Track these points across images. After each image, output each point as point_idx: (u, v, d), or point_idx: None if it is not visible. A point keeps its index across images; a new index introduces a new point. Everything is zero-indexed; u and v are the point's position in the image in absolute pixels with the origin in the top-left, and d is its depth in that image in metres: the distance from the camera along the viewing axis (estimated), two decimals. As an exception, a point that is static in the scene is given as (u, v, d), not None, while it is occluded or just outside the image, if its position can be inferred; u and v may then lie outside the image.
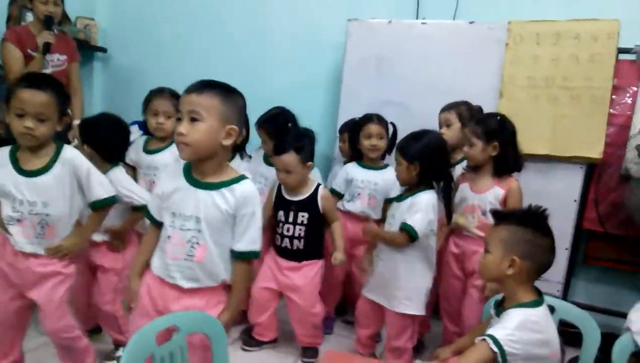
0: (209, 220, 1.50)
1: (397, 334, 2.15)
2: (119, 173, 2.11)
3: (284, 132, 2.54)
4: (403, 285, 2.11)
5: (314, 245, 2.37)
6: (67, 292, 1.81)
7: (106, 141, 2.10)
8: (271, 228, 2.40)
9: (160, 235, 1.58)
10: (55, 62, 2.97)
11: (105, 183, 1.85)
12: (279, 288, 2.38)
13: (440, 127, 2.45)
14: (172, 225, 1.53)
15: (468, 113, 2.40)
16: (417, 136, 2.09)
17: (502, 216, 1.61)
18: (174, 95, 2.39)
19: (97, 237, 2.08)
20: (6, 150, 1.73)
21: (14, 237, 1.73)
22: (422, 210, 2.03)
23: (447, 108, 2.46)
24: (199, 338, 1.42)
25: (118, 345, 2.26)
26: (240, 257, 1.56)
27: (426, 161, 2.04)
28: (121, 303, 2.19)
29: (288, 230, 2.33)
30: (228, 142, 1.48)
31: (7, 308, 1.79)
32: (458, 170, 2.38)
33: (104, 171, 2.00)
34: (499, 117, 2.22)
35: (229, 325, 1.58)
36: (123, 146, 2.22)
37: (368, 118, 2.59)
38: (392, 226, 2.13)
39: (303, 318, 2.38)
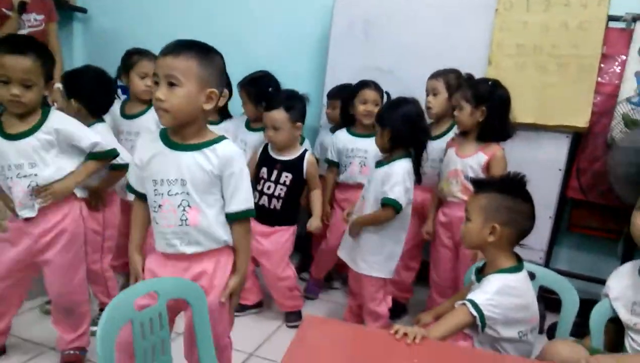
0: (194, 181, 1.46)
1: (370, 297, 2.19)
2: (102, 128, 2.10)
3: (264, 94, 2.52)
4: (377, 251, 2.14)
5: (290, 209, 2.38)
6: (80, 251, 1.85)
7: (91, 93, 2.08)
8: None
9: (150, 208, 1.54)
10: (31, 22, 2.88)
11: (90, 133, 1.85)
12: (252, 253, 2.37)
13: (427, 95, 2.42)
14: (158, 193, 1.48)
15: (456, 82, 2.36)
16: (394, 104, 2.14)
17: (482, 184, 1.63)
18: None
19: (78, 193, 2.03)
20: None
21: (17, 209, 1.74)
22: (399, 181, 2.04)
23: (435, 75, 2.42)
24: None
25: (103, 307, 2.26)
26: (237, 218, 1.53)
27: (397, 128, 2.05)
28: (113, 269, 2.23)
29: (269, 188, 2.32)
30: (209, 106, 1.43)
31: (10, 278, 1.81)
32: (442, 144, 2.38)
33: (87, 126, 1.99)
34: (490, 82, 2.22)
35: (237, 289, 1.57)
36: (108, 99, 2.20)
37: (365, 83, 2.57)
38: (367, 191, 2.16)
39: (274, 283, 2.41)
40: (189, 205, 1.47)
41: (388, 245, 2.15)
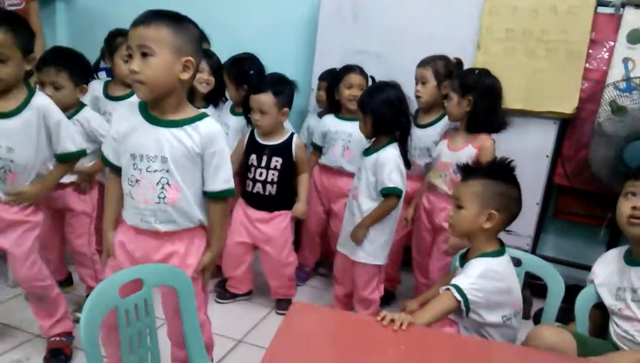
0: (175, 159, 1.43)
1: (365, 285, 2.20)
2: (89, 112, 2.10)
3: (244, 77, 2.49)
4: (372, 239, 2.15)
5: (286, 193, 2.35)
6: (35, 241, 1.80)
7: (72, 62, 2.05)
8: (239, 176, 2.34)
9: (122, 181, 1.51)
10: (11, 1, 2.80)
11: (76, 136, 1.83)
12: (252, 241, 2.37)
13: (417, 83, 2.38)
14: (137, 167, 1.45)
15: (445, 70, 2.32)
16: (375, 90, 2.15)
17: (471, 170, 1.61)
18: None
19: (65, 179, 2.02)
20: None
21: None
22: (394, 168, 2.06)
23: (423, 63, 2.37)
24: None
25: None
26: (216, 197, 1.52)
27: (379, 113, 2.05)
28: (98, 254, 2.20)
29: (261, 174, 2.30)
30: (186, 75, 1.39)
31: None
32: (431, 132, 2.37)
33: (73, 113, 2.03)
34: (477, 71, 2.19)
35: (210, 266, 1.58)
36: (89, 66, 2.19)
37: (350, 68, 2.55)
38: (359, 180, 2.16)
39: (277, 270, 2.40)
40: (168, 183, 1.45)
41: (385, 232, 2.16)
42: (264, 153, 2.30)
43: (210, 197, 1.52)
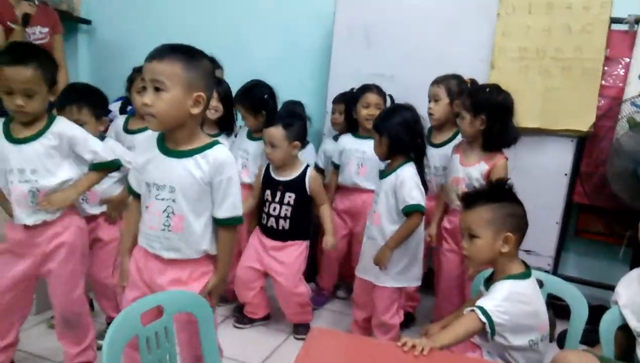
0: (183, 189, 1.46)
1: (385, 309, 2.17)
2: (111, 143, 2.13)
3: (260, 103, 2.53)
4: (394, 261, 2.12)
5: (300, 226, 2.36)
6: (79, 264, 1.84)
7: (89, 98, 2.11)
8: (258, 207, 2.39)
9: (140, 206, 1.56)
10: (37, 35, 2.89)
11: (107, 146, 1.88)
12: (263, 268, 2.38)
13: (429, 101, 2.41)
14: (149, 195, 1.50)
15: (457, 88, 2.34)
16: (390, 112, 2.16)
17: (472, 197, 1.59)
18: None
19: (94, 210, 2.10)
20: (1, 123, 1.72)
21: (15, 212, 1.73)
22: (413, 186, 2.06)
23: (436, 82, 2.41)
24: (186, 315, 1.41)
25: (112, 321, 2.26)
26: (223, 224, 1.54)
27: (395, 135, 2.06)
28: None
29: (274, 209, 2.32)
30: (196, 110, 1.43)
31: (10, 289, 1.80)
32: (445, 151, 2.37)
33: None
34: (488, 89, 2.19)
35: (215, 291, 1.59)
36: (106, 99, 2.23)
37: (368, 87, 2.59)
38: (377, 204, 2.15)
39: (287, 298, 2.39)
40: (173, 212, 1.48)
41: (408, 254, 2.14)
42: (278, 188, 2.32)
43: (216, 224, 1.55)
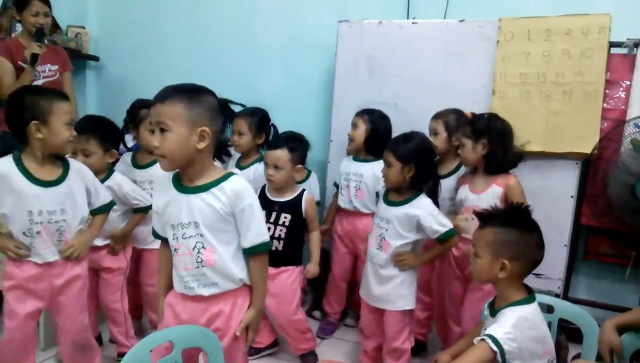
0: (207, 222, 1.48)
1: (397, 334, 2.14)
2: (119, 177, 2.21)
3: (266, 123, 2.61)
4: (408, 284, 2.11)
5: (293, 248, 2.36)
6: (86, 292, 1.93)
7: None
8: None
9: (168, 248, 1.58)
10: (46, 73, 2.97)
11: (105, 189, 2.00)
12: None
13: (429, 135, 2.43)
14: (175, 237, 1.52)
15: (456, 122, 2.37)
16: (407, 138, 2.10)
17: (486, 218, 1.59)
18: None
19: (99, 242, 2.17)
20: (11, 163, 1.74)
21: (36, 250, 1.77)
22: (438, 212, 2.07)
23: (435, 117, 2.45)
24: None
25: (122, 355, 2.26)
26: (252, 252, 1.55)
27: (420, 162, 2.04)
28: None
29: (268, 229, 2.29)
30: (202, 144, 1.45)
31: (28, 325, 1.83)
32: (449, 183, 2.38)
33: (104, 178, 2.15)
34: (486, 115, 2.24)
35: (253, 323, 1.58)
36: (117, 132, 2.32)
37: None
38: (388, 231, 2.09)
39: (285, 325, 2.38)
40: (203, 247, 1.49)
41: (412, 276, 2.14)
42: (274, 209, 2.32)
43: (247, 253, 1.56)
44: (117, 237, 2.21)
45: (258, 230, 1.54)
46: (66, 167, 1.83)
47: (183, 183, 1.52)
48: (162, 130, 1.42)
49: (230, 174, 1.54)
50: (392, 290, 2.11)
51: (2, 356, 1.83)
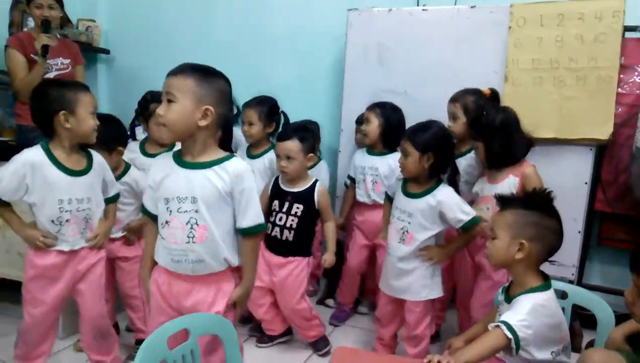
0: (205, 198, 1.50)
1: (418, 322, 2.14)
2: (135, 172, 2.25)
3: (276, 112, 2.60)
4: (431, 273, 2.11)
5: (303, 239, 2.36)
6: (104, 279, 1.98)
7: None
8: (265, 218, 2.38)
9: (158, 225, 1.59)
10: (59, 66, 2.99)
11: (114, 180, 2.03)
12: (267, 285, 2.38)
13: (449, 119, 2.39)
14: (168, 209, 1.53)
15: (474, 105, 2.30)
16: (425, 126, 2.07)
17: (507, 201, 1.59)
18: None
19: (116, 234, 2.21)
20: (42, 154, 1.78)
21: (65, 237, 1.81)
22: (461, 201, 2.06)
23: (452, 99, 2.39)
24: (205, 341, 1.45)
25: (140, 341, 2.29)
26: (247, 233, 1.58)
27: (439, 151, 2.03)
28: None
29: (280, 219, 2.33)
30: (204, 122, 1.47)
31: (52, 313, 1.88)
32: (463, 161, 2.36)
33: (121, 174, 2.19)
34: (485, 112, 2.20)
35: (242, 300, 1.62)
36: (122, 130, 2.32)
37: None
38: (410, 224, 2.08)
39: (290, 314, 2.40)
40: (197, 223, 1.52)
41: (435, 265, 2.13)
42: (286, 199, 2.33)
43: (241, 234, 1.59)
44: (133, 229, 2.25)
45: (256, 212, 1.57)
46: (90, 158, 1.88)
47: (184, 158, 1.54)
48: (169, 101, 1.45)
49: (232, 156, 1.56)
50: (415, 282, 2.11)
51: (22, 342, 1.88)
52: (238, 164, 1.54)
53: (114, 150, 2.16)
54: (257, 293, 2.38)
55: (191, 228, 1.51)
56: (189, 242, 1.52)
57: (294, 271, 2.34)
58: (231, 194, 1.53)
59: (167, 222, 1.54)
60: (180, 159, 1.55)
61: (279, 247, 2.35)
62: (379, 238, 2.52)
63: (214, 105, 1.48)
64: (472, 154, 2.37)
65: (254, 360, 2.33)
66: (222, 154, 1.56)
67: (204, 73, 1.49)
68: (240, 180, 1.52)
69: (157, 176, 1.57)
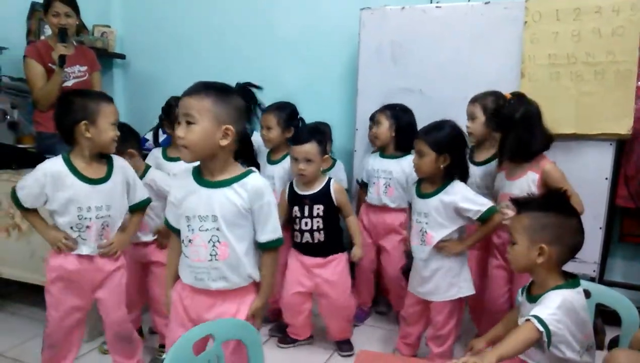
0: (225, 217, 1.52)
1: (445, 322, 2.13)
2: (153, 172, 2.25)
3: (293, 121, 2.61)
4: (444, 274, 2.10)
5: (335, 236, 2.38)
6: (123, 286, 2.00)
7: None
8: (289, 228, 2.39)
9: (181, 242, 1.61)
10: (76, 74, 3.02)
11: (142, 186, 2.05)
12: (308, 290, 2.39)
13: (468, 120, 2.37)
14: (190, 228, 1.55)
15: (494, 105, 2.27)
16: (439, 126, 2.07)
17: (523, 203, 1.57)
18: None
19: (147, 238, 2.26)
20: (62, 164, 1.83)
21: (86, 242, 1.85)
22: (474, 193, 2.06)
23: (472, 100, 2.37)
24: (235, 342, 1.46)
25: (163, 345, 2.33)
26: (267, 247, 1.60)
27: (454, 151, 2.03)
28: None
29: (306, 224, 2.34)
30: (225, 141, 1.49)
31: (73, 316, 1.92)
32: (485, 169, 2.36)
33: (141, 176, 2.17)
34: (506, 105, 2.17)
35: (259, 313, 1.63)
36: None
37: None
38: (427, 224, 2.08)
39: (338, 313, 2.41)
40: (218, 241, 1.53)
41: (458, 262, 2.11)
42: (305, 203, 2.34)
43: (261, 248, 1.61)
44: (163, 232, 2.24)
45: (274, 226, 1.59)
46: (110, 164, 1.91)
47: (204, 177, 1.56)
48: (189, 123, 1.46)
49: (250, 171, 1.57)
50: (442, 281, 2.10)
51: (47, 345, 1.93)
52: (257, 180, 1.56)
53: (124, 152, 2.16)
54: (298, 300, 2.40)
55: (213, 246, 1.54)
56: (211, 259, 1.54)
57: (337, 268, 2.37)
58: (250, 210, 1.55)
59: (190, 241, 1.56)
60: (199, 177, 1.57)
61: (315, 250, 2.37)
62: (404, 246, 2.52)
63: (233, 123, 1.49)
64: (491, 164, 2.36)
65: (275, 359, 2.35)
66: (240, 170, 1.58)
67: (221, 92, 1.50)
68: (259, 197, 1.54)
69: (179, 194, 1.60)
